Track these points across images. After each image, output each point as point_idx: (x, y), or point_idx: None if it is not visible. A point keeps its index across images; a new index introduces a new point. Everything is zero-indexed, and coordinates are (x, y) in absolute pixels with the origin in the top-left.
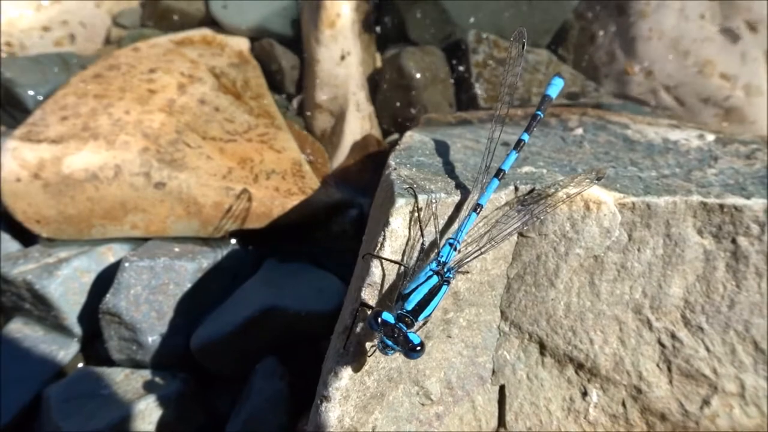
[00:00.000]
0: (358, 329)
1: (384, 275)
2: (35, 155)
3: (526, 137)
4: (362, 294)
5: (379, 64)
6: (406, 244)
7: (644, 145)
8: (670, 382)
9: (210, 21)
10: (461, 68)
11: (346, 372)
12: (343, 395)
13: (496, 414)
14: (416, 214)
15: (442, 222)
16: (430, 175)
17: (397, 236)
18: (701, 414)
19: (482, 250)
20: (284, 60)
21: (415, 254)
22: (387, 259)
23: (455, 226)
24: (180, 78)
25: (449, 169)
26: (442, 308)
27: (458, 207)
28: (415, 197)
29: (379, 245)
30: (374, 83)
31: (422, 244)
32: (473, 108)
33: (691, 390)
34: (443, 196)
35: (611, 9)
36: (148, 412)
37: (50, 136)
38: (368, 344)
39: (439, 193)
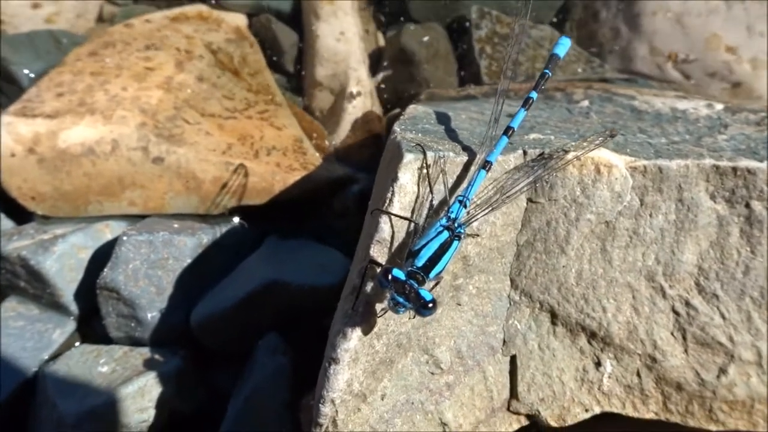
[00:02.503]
0: (367, 289)
1: (393, 232)
2: (30, 129)
3: (534, 95)
4: (371, 251)
5: (379, 41)
6: (415, 201)
7: (652, 114)
8: (686, 351)
9: None
10: (464, 44)
11: (355, 333)
12: (352, 357)
13: (508, 385)
14: (425, 171)
15: (451, 181)
16: (436, 140)
17: (406, 192)
18: (718, 383)
19: (493, 206)
20: (283, 36)
21: (425, 212)
22: (395, 215)
23: (464, 184)
24: (177, 55)
25: (455, 136)
26: (451, 273)
27: (467, 167)
28: (424, 153)
29: (387, 201)
30: (375, 60)
31: (431, 201)
32: (476, 83)
33: (707, 359)
34: (452, 155)
35: None
36: (147, 389)
37: (45, 111)
38: (378, 305)
39: (447, 152)
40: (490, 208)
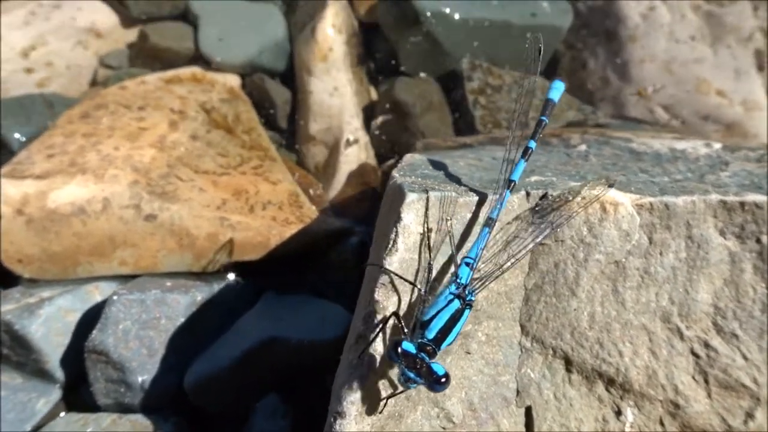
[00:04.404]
0: (374, 335)
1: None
2: (18, 191)
3: (532, 144)
4: (376, 295)
5: (372, 96)
6: (420, 243)
7: (651, 155)
8: (709, 395)
9: (199, 59)
10: (457, 95)
11: (362, 384)
12: (359, 411)
13: None
14: (428, 221)
15: (457, 231)
16: (437, 183)
17: (410, 232)
18: (746, 428)
19: (503, 267)
20: (276, 94)
21: (431, 258)
22: (398, 275)
23: (469, 243)
24: (170, 115)
25: (456, 179)
26: None
27: (472, 214)
28: (427, 192)
29: (391, 243)
30: (368, 114)
31: (437, 246)
32: (471, 133)
33: (732, 403)
34: (454, 194)
35: (600, 36)
36: None
37: (35, 172)
38: (383, 392)
39: (450, 192)
40: (501, 272)
